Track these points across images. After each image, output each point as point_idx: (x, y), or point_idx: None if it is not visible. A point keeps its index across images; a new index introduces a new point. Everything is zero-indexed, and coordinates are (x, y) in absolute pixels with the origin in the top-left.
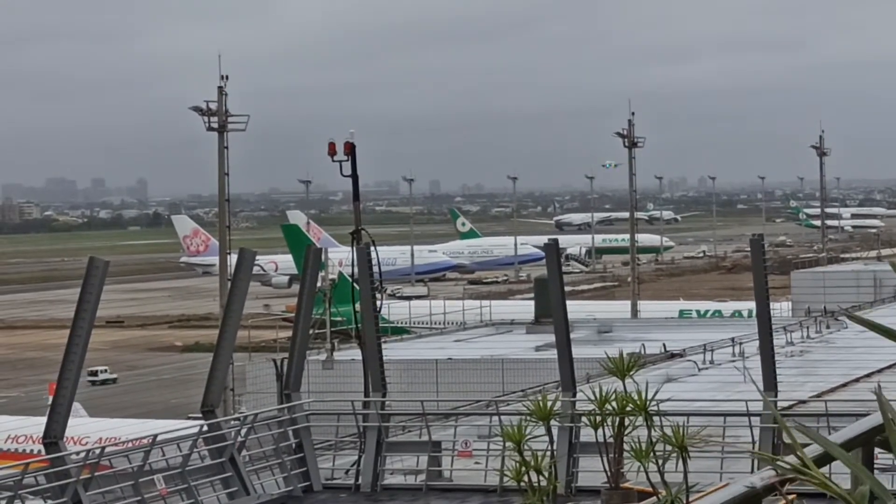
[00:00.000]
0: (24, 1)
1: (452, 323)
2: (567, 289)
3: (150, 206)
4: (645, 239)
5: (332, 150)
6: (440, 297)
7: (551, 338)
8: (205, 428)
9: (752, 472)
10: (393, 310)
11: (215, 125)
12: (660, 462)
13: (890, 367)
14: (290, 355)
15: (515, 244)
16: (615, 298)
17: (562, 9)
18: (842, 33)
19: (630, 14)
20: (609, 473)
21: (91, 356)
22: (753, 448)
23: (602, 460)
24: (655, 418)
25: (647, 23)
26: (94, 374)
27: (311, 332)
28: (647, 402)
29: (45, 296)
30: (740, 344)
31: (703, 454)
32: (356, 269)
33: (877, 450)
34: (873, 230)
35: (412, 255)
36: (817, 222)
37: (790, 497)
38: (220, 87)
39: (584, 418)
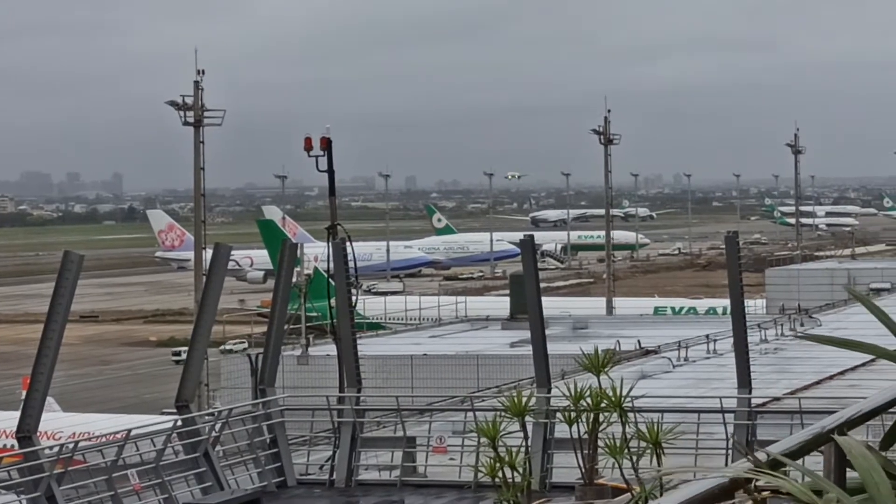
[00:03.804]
0: None
1: (428, 319)
2: (542, 285)
3: (125, 200)
4: (620, 236)
5: (308, 146)
6: (416, 293)
7: (526, 334)
8: (179, 423)
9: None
10: (368, 305)
11: (191, 120)
12: (634, 458)
13: (863, 364)
14: (264, 350)
15: (491, 240)
16: (590, 295)
17: (536, 7)
18: (814, 33)
19: (604, 12)
20: (583, 469)
21: (65, 350)
22: (728, 445)
23: (576, 456)
24: (630, 414)
25: (621, 21)
26: (178, 353)
27: (285, 327)
28: (622, 399)
29: (19, 290)
30: (714, 341)
31: (677, 451)
32: (332, 265)
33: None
34: (847, 228)
35: (388, 250)
36: (792, 220)
37: (763, 494)
38: (196, 82)
39: (558, 414)
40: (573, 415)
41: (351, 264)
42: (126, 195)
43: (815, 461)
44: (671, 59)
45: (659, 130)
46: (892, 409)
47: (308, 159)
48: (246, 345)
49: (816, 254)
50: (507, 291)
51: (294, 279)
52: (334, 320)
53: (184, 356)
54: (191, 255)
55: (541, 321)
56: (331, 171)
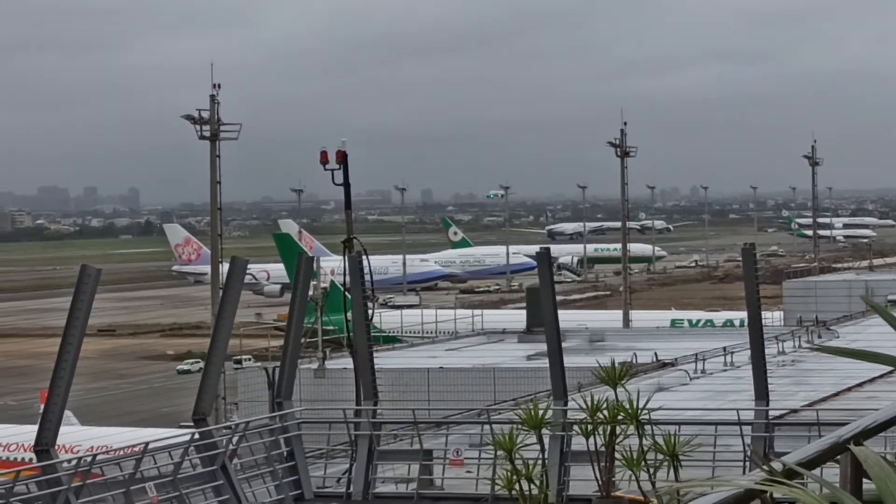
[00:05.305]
0: (15, 11)
1: (444, 332)
2: (559, 298)
3: (142, 214)
4: (637, 248)
5: (324, 159)
6: (432, 306)
7: (543, 347)
8: (196, 436)
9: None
10: (385, 318)
11: (207, 134)
12: (651, 471)
13: (881, 376)
14: (281, 364)
15: (507, 253)
16: (607, 308)
17: (545, 21)
18: (826, 44)
19: (615, 25)
20: (600, 482)
21: (82, 364)
22: (746, 457)
23: (593, 469)
24: (647, 427)
25: (632, 34)
26: (239, 362)
27: (302, 340)
28: (639, 411)
29: (36, 304)
30: (732, 353)
31: (695, 463)
32: (348, 278)
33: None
34: (865, 240)
35: (404, 264)
36: (809, 232)
37: None
38: (212, 96)
39: (575, 427)
40: (590, 427)
41: (367, 278)
42: (143, 209)
43: (832, 473)
44: (684, 72)
45: (675, 142)
46: None
47: (324, 173)
48: (251, 359)
49: (834, 266)
50: (524, 304)
51: (310, 293)
52: (351, 334)
53: (189, 368)
54: (207, 268)
55: (557, 334)
56: (346, 185)
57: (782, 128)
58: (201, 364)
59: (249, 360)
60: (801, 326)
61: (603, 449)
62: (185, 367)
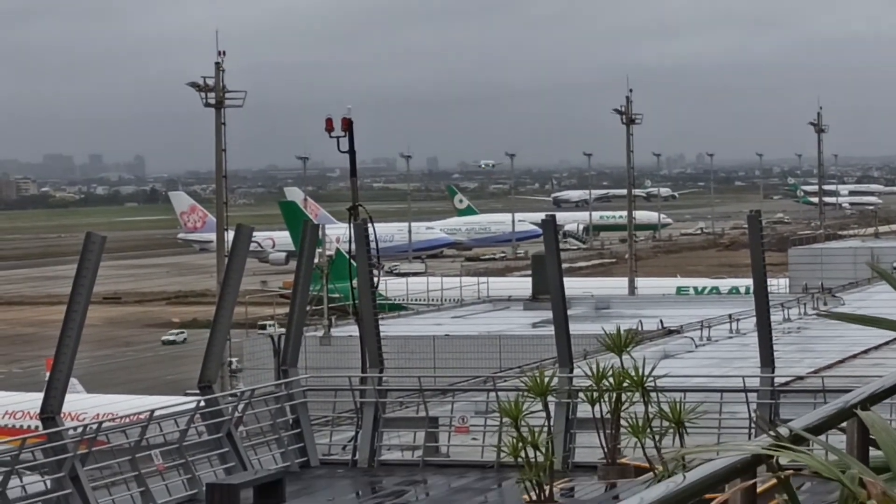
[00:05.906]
0: None
1: (450, 299)
2: (565, 265)
3: (147, 182)
4: (642, 216)
5: (329, 126)
6: (438, 274)
7: (549, 314)
8: (202, 403)
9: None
10: (390, 286)
11: (212, 101)
12: (657, 437)
13: (887, 343)
14: (287, 331)
15: (513, 221)
16: (613, 275)
17: None
18: (833, 10)
19: None
20: (606, 449)
21: (87, 332)
22: (751, 424)
23: (599, 436)
24: (652, 394)
25: (639, 0)
26: (263, 327)
27: (308, 308)
28: (644, 378)
29: (42, 272)
30: (737, 320)
31: (700, 430)
32: (353, 246)
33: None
34: (871, 207)
35: (410, 231)
36: (815, 199)
37: (786, 473)
38: (217, 63)
39: (581, 394)
40: (595, 394)
41: (372, 245)
42: (148, 177)
43: (839, 440)
44: (691, 38)
45: (681, 109)
46: None
47: (329, 140)
48: (274, 325)
49: (840, 233)
50: (529, 272)
51: (316, 260)
52: (356, 301)
53: (174, 339)
54: (213, 236)
55: (563, 301)
56: (352, 152)
57: (788, 95)
58: (186, 335)
59: (273, 325)
60: (806, 293)
61: (608, 416)
62: (171, 338)
